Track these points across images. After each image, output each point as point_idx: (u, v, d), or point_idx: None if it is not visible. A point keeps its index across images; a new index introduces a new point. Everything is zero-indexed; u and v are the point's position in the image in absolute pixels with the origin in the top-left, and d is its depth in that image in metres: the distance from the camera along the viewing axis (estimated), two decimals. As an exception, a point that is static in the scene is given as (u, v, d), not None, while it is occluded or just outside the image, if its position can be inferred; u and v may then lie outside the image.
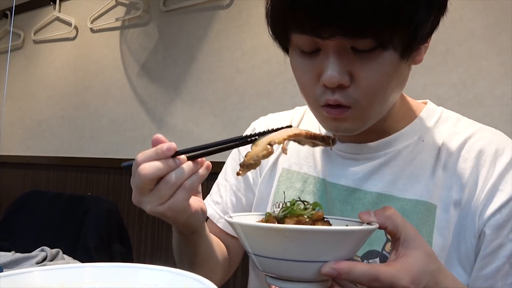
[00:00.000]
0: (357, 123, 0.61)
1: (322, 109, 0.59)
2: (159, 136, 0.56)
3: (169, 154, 0.54)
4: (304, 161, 0.75)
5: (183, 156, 0.55)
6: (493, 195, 0.60)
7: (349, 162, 0.70)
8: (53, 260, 1.05)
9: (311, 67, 0.58)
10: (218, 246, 0.78)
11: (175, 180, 0.54)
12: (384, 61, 0.55)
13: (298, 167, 0.75)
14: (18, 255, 1.00)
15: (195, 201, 0.61)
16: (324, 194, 0.71)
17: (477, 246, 0.61)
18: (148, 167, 0.53)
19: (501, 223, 0.59)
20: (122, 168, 0.58)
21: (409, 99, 0.73)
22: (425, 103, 0.73)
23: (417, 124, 0.69)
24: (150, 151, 0.54)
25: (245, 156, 0.54)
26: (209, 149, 0.57)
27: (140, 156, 0.55)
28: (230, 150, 0.61)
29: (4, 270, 0.90)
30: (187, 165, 0.56)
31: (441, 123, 0.69)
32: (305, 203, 0.54)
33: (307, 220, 0.50)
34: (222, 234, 0.81)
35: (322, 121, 0.63)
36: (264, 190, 0.78)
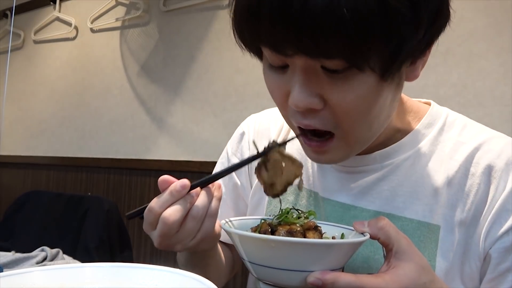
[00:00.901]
0: (341, 153, 0.55)
1: (301, 137, 0.55)
2: (167, 177, 0.54)
3: (184, 192, 0.52)
4: None
5: (197, 188, 0.54)
6: (501, 216, 0.56)
7: (344, 176, 0.65)
8: (53, 260, 1.05)
9: (279, 84, 0.52)
10: (223, 250, 0.78)
11: (201, 213, 0.53)
12: (360, 83, 0.47)
13: None
14: (18, 255, 1.00)
15: (216, 224, 0.60)
16: (318, 210, 0.67)
17: (482, 268, 0.58)
18: (173, 212, 0.51)
19: (509, 246, 0.55)
20: (128, 217, 0.58)
21: (410, 101, 0.66)
22: (428, 104, 0.67)
23: (418, 133, 0.63)
24: (165, 195, 0.52)
25: (265, 182, 0.52)
26: (215, 174, 0.56)
27: (156, 204, 0.53)
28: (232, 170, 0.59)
29: (4, 270, 0.90)
30: (204, 194, 0.55)
31: (446, 130, 0.63)
32: (299, 212, 0.54)
33: (299, 229, 0.50)
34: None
35: (303, 148, 0.58)
36: (256, 201, 0.75)
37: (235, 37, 0.53)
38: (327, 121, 0.51)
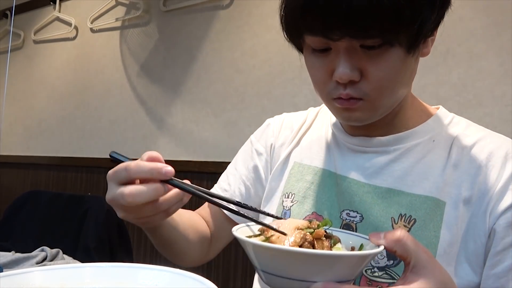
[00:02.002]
0: (368, 113, 0.64)
1: (335, 102, 0.63)
2: (155, 154, 0.54)
3: (164, 177, 0.52)
4: (316, 155, 0.77)
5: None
6: (504, 194, 0.61)
7: (359, 155, 0.72)
8: (53, 260, 1.05)
9: (323, 64, 0.62)
10: (192, 227, 0.78)
11: (162, 208, 0.54)
12: (391, 57, 0.58)
13: (309, 160, 0.77)
14: (18, 255, 1.00)
15: None
16: (334, 187, 0.72)
17: (487, 245, 0.61)
18: (134, 195, 0.51)
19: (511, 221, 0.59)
20: (110, 155, 0.56)
21: (422, 101, 0.75)
22: (438, 108, 0.74)
23: (429, 125, 0.70)
24: (146, 167, 0.52)
25: None
26: (201, 193, 0.56)
27: (134, 168, 0.52)
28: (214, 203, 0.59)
29: (4, 270, 0.90)
30: (177, 194, 0.55)
31: (452, 126, 0.71)
32: (311, 221, 0.53)
33: (308, 237, 0.50)
34: (216, 217, 0.83)
35: (335, 112, 0.67)
36: (275, 183, 0.79)
37: (283, 31, 0.63)
38: (360, 90, 0.60)
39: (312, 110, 0.86)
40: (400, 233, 0.46)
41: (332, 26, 0.54)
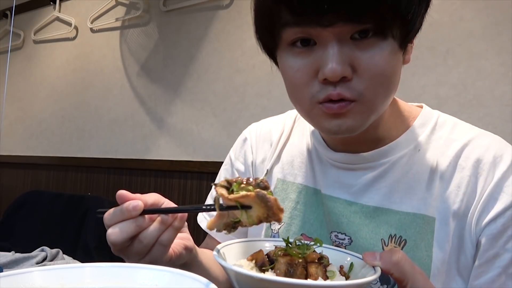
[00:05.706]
0: (360, 118, 0.57)
1: (321, 107, 0.55)
2: (123, 192, 0.54)
3: (135, 214, 0.52)
4: (298, 171, 0.74)
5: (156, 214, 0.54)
6: (489, 204, 0.59)
7: (344, 173, 0.68)
8: (53, 260, 1.05)
9: (306, 63, 0.55)
10: (218, 266, 0.75)
11: (149, 239, 0.53)
12: (384, 48, 0.53)
13: (292, 177, 0.74)
14: (18, 255, 1.00)
15: (177, 245, 0.60)
16: (321, 206, 0.69)
17: (475, 256, 0.60)
18: (116, 233, 0.52)
19: (496, 233, 0.58)
20: (97, 215, 0.57)
21: (402, 102, 0.70)
22: (421, 107, 0.70)
23: (412, 133, 0.66)
24: (116, 210, 0.53)
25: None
26: (177, 208, 0.55)
27: (107, 216, 0.54)
28: (197, 212, 0.57)
29: (4, 270, 0.90)
30: (158, 222, 0.54)
31: (437, 129, 0.67)
32: (302, 242, 0.51)
33: (300, 261, 0.47)
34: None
35: (321, 121, 0.58)
36: None
37: (255, 28, 0.58)
38: (354, 90, 0.54)
39: (289, 115, 0.81)
40: (398, 256, 0.46)
41: (325, 9, 0.49)
